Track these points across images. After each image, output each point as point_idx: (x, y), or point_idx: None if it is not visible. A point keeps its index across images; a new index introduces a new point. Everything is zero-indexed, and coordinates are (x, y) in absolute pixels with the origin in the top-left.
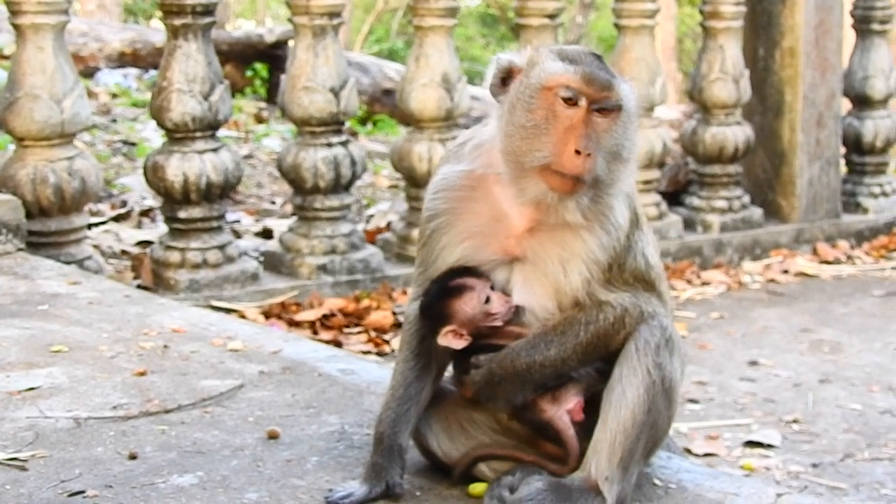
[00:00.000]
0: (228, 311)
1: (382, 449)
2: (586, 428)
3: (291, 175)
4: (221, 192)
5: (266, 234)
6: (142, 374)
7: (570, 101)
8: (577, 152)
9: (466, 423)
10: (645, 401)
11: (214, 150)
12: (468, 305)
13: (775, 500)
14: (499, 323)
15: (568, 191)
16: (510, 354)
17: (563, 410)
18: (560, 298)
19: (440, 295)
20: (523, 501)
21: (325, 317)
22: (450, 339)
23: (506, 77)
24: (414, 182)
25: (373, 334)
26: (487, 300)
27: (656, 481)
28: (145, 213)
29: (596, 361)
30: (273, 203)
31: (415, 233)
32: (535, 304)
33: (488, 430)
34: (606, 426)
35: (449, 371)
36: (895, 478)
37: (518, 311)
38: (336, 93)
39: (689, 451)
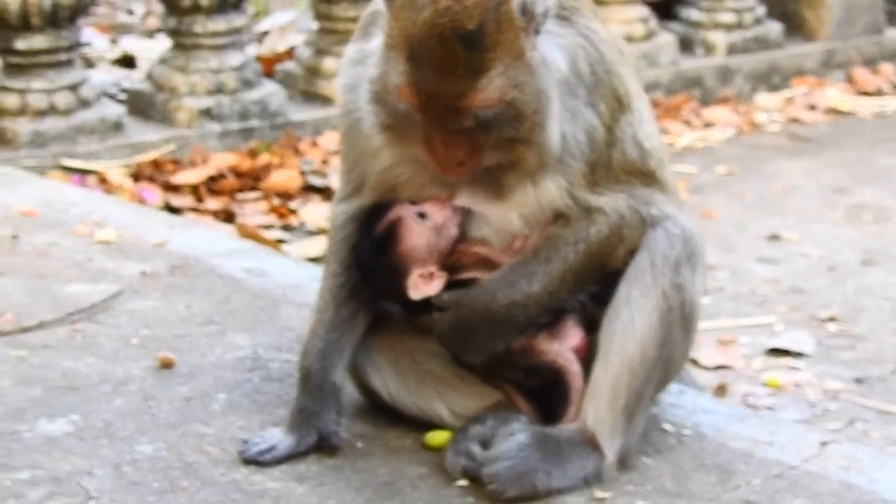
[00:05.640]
0: (85, 171)
1: (311, 388)
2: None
3: None
4: (72, 14)
5: (127, 61)
6: None
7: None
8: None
9: (419, 353)
10: (659, 331)
11: None
12: (414, 236)
13: (819, 450)
14: (455, 232)
15: (459, 178)
16: (483, 294)
17: (566, 348)
18: (525, 211)
19: (376, 250)
20: (501, 460)
21: (211, 178)
22: (423, 287)
23: None
24: None
25: (275, 202)
26: (423, 216)
27: (666, 426)
28: None
29: (590, 286)
30: (130, 13)
31: (327, 64)
32: (491, 213)
33: (446, 363)
34: (608, 363)
35: None
36: None
37: (472, 219)
38: None
39: (695, 362)
